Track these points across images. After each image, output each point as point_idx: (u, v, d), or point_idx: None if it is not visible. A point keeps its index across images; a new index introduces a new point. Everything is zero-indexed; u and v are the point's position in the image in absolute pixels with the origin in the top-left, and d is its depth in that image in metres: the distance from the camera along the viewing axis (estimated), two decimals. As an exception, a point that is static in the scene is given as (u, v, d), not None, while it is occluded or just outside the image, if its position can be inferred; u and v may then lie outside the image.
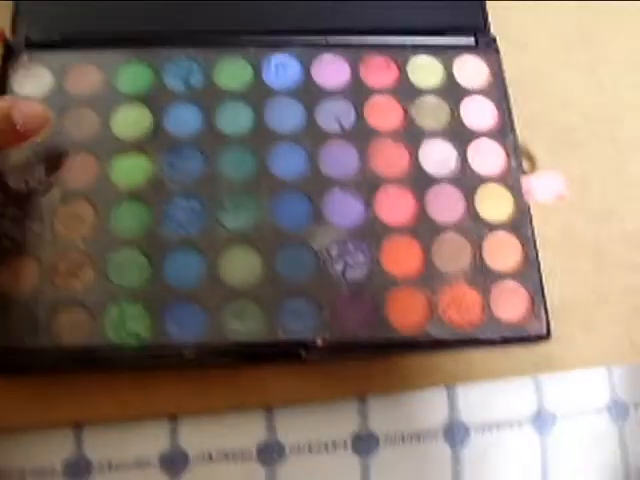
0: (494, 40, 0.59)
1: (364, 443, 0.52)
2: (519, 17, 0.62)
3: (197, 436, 0.51)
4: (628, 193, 0.58)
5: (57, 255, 0.51)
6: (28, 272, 0.50)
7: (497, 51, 0.59)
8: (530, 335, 0.52)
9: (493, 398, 0.53)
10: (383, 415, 0.52)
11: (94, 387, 0.50)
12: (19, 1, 0.57)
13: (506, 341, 0.51)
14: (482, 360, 0.53)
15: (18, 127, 0.45)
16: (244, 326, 0.50)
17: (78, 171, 0.53)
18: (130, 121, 0.55)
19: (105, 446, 0.50)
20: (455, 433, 0.52)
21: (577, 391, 0.54)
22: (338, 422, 0.52)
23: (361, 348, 0.51)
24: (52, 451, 0.50)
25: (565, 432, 0.53)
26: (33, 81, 0.55)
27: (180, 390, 0.51)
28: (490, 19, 0.60)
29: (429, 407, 0.53)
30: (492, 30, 0.60)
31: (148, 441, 0.51)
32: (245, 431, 0.51)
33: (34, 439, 0.50)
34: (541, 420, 0.53)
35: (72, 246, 0.51)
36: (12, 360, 0.49)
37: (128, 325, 0.50)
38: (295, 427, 0.52)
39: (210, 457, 0.51)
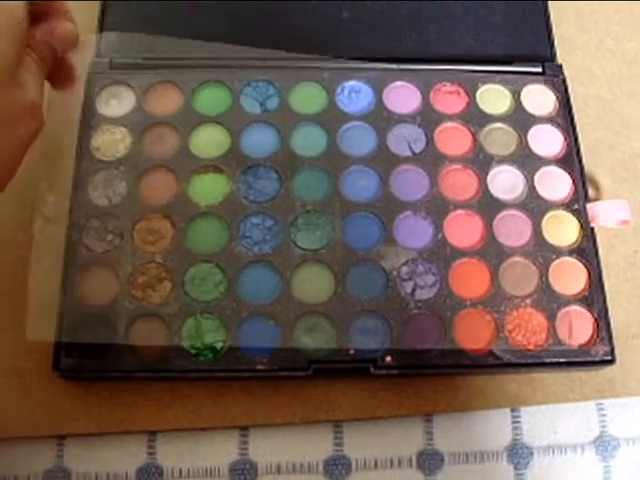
0: (561, 68, 0.61)
1: (429, 461, 0.53)
2: (585, 45, 0.65)
3: (266, 448, 0.53)
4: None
5: (136, 268, 0.53)
6: (107, 284, 0.53)
7: (564, 79, 0.61)
8: (594, 359, 0.53)
9: (556, 421, 0.55)
10: (448, 434, 0.54)
11: (168, 397, 0.53)
12: (104, 24, 0.59)
13: (570, 364, 0.53)
14: (546, 383, 0.54)
15: (58, 53, 0.46)
16: (315, 341, 0.52)
17: (158, 188, 0.56)
18: (208, 141, 0.57)
19: (177, 455, 0.53)
20: (518, 454, 0.54)
21: (640, 416, 0.55)
22: (404, 439, 0.54)
23: (428, 367, 0.52)
24: (126, 458, 0.52)
25: (627, 457, 0.54)
26: (116, 101, 0.58)
27: (251, 402, 0.53)
28: (557, 47, 0.62)
29: (493, 428, 0.54)
30: (559, 58, 0.61)
31: (218, 451, 0.53)
32: (313, 445, 0.53)
33: (109, 445, 0.52)
34: (603, 445, 0.54)
35: (150, 260, 0.53)
36: (91, 367, 0.51)
37: (204, 337, 0.52)
38: (362, 443, 0.53)
39: (278, 469, 0.52)
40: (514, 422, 0.54)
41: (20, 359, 0.53)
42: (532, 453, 0.54)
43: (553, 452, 0.54)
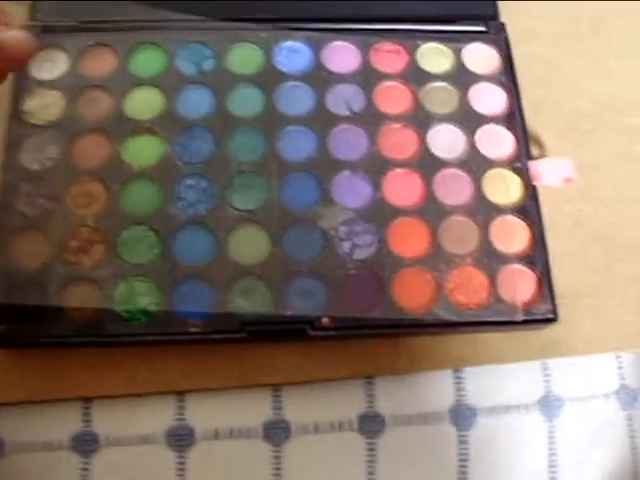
0: (504, 26, 0.60)
1: (370, 424, 0.52)
2: (530, 4, 0.63)
3: (203, 413, 0.52)
4: (637, 178, 0.58)
5: (68, 232, 0.52)
6: (39, 248, 0.51)
7: (507, 38, 0.59)
8: (537, 318, 0.52)
9: (500, 381, 0.53)
10: (390, 396, 0.53)
11: (102, 362, 0.51)
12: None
13: (513, 324, 0.52)
14: (489, 343, 0.53)
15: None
16: (251, 303, 0.51)
17: (91, 152, 0.54)
18: (143, 103, 0.56)
19: (112, 421, 0.51)
20: (462, 416, 0.53)
21: (585, 376, 0.54)
22: (344, 402, 0.52)
23: (367, 328, 0.51)
24: (60, 425, 0.51)
25: (572, 417, 0.54)
26: (50, 65, 0.57)
27: (187, 367, 0.51)
28: (500, 5, 0.60)
29: (436, 389, 0.53)
30: (502, 17, 0.60)
31: (155, 417, 0.51)
32: (252, 409, 0.52)
33: (43, 414, 0.51)
34: (548, 404, 0.53)
35: (83, 223, 0.52)
36: (21, 334, 0.50)
37: (137, 301, 0.50)
38: (301, 406, 0.52)
39: (216, 434, 0.51)
40: (457, 383, 0.53)
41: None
42: (476, 414, 0.53)
43: (497, 413, 0.53)
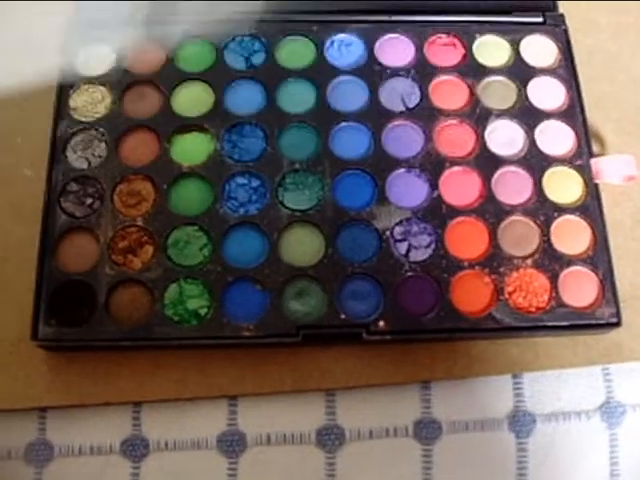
0: (563, 18, 0.56)
1: (426, 430, 0.49)
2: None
3: (255, 418, 0.49)
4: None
5: (116, 232, 0.49)
6: (87, 249, 0.49)
7: (566, 30, 0.56)
8: (599, 322, 0.49)
9: (560, 387, 0.50)
10: (446, 402, 0.50)
11: (152, 366, 0.49)
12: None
13: (574, 328, 0.49)
14: (549, 348, 0.50)
15: None
16: (304, 307, 0.48)
17: (139, 149, 0.51)
18: (191, 99, 0.53)
19: (162, 426, 0.49)
20: (520, 422, 0.49)
21: (648, 382, 0.51)
22: (400, 408, 0.49)
23: (424, 332, 0.48)
24: (110, 429, 0.49)
25: (635, 424, 0.50)
26: (96, 60, 0.54)
27: (239, 371, 0.49)
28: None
29: (494, 395, 0.50)
30: (560, 8, 0.56)
31: (206, 422, 0.49)
32: (304, 414, 0.49)
33: (92, 417, 0.49)
34: (610, 411, 0.50)
35: (131, 224, 0.49)
36: (69, 337, 0.47)
37: (187, 303, 0.48)
38: (356, 412, 0.49)
39: (268, 440, 0.48)
40: (516, 389, 0.50)
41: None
42: (535, 421, 0.49)
43: (557, 419, 0.50)
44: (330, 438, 0.49)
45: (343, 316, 0.47)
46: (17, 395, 0.48)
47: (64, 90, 0.53)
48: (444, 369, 0.49)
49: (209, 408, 0.49)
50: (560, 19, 0.56)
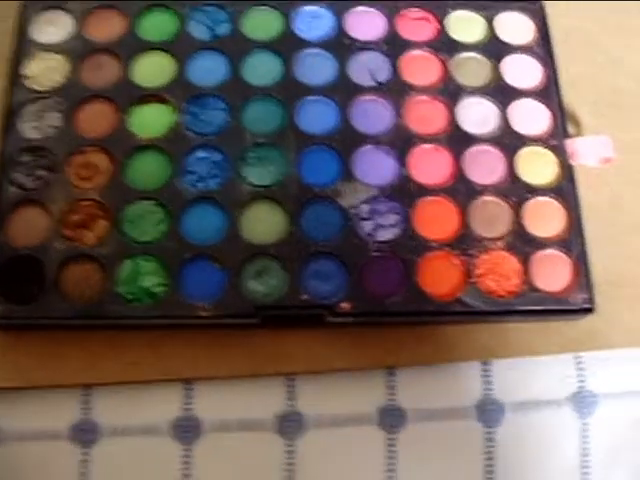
0: (539, -4, 0.54)
1: (390, 418, 0.46)
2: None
3: (212, 403, 0.46)
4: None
5: (69, 205, 0.46)
6: (37, 222, 0.46)
7: (542, 7, 0.53)
8: (572, 307, 0.46)
9: (531, 375, 0.48)
10: (412, 389, 0.47)
11: (104, 347, 0.46)
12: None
13: (546, 313, 0.46)
14: (520, 333, 0.47)
15: None
16: (265, 286, 0.45)
17: (96, 120, 0.49)
18: (152, 69, 0.50)
19: (113, 410, 0.46)
20: (489, 411, 0.47)
21: (622, 371, 0.48)
22: (363, 394, 0.47)
23: (390, 315, 0.45)
24: (58, 413, 0.46)
25: (607, 415, 0.48)
26: (53, 27, 0.51)
27: (195, 353, 0.46)
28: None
29: (461, 382, 0.47)
30: (538, -14, 0.54)
31: (160, 406, 0.46)
32: (263, 400, 0.46)
33: (40, 400, 0.46)
34: (582, 400, 0.48)
35: (85, 197, 0.46)
36: (16, 315, 0.44)
37: (142, 281, 0.45)
38: (317, 397, 0.47)
39: (225, 426, 0.46)
40: (484, 376, 0.47)
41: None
42: (504, 410, 0.47)
43: (527, 408, 0.47)
44: (290, 425, 0.46)
45: (305, 297, 0.45)
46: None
47: (18, 57, 0.50)
48: (410, 354, 0.47)
49: (163, 392, 0.46)
50: (538, -4, 0.53)
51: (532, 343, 0.47)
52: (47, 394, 0.46)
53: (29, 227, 0.46)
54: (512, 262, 0.46)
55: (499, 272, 0.46)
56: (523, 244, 0.47)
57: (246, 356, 0.46)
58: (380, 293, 0.45)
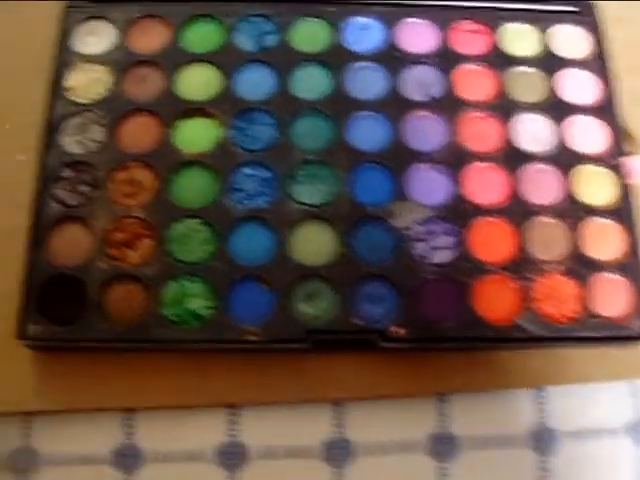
0: (596, 7, 0.51)
1: (441, 445, 0.45)
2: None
3: (258, 429, 0.44)
4: None
5: (112, 223, 0.44)
6: (80, 240, 0.44)
7: (599, 20, 0.51)
8: (631, 334, 0.44)
9: (586, 402, 0.46)
10: (464, 415, 0.45)
11: (148, 370, 0.44)
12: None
13: (604, 340, 0.44)
14: (575, 359, 0.46)
15: None
16: (315, 309, 0.43)
17: (139, 134, 0.47)
18: (197, 82, 0.48)
19: (157, 435, 0.44)
20: (543, 440, 0.45)
21: (680, 399, 0.46)
22: (414, 421, 0.45)
23: (444, 341, 0.43)
24: (100, 438, 0.44)
25: (665, 444, 0.46)
26: (95, 38, 0.49)
27: (242, 377, 0.44)
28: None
29: (516, 409, 0.46)
30: (594, -3, 0.52)
31: (204, 432, 0.44)
32: (311, 426, 0.45)
33: (81, 424, 0.44)
34: (638, 429, 0.45)
35: (129, 214, 0.45)
36: (58, 336, 0.43)
37: (188, 303, 0.43)
38: (366, 424, 0.45)
39: (271, 453, 0.44)
40: (539, 403, 0.46)
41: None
42: (558, 438, 0.45)
43: (582, 437, 0.45)
44: (338, 452, 0.44)
45: (357, 321, 0.43)
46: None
47: (60, 69, 0.48)
48: (463, 381, 0.45)
49: (208, 417, 0.44)
50: (593, 8, 0.51)
51: (588, 369, 0.45)
52: (89, 417, 0.44)
53: (71, 245, 0.44)
54: (570, 286, 0.44)
55: (557, 296, 0.44)
56: (581, 267, 0.45)
57: (294, 381, 0.44)
58: (434, 317, 0.43)
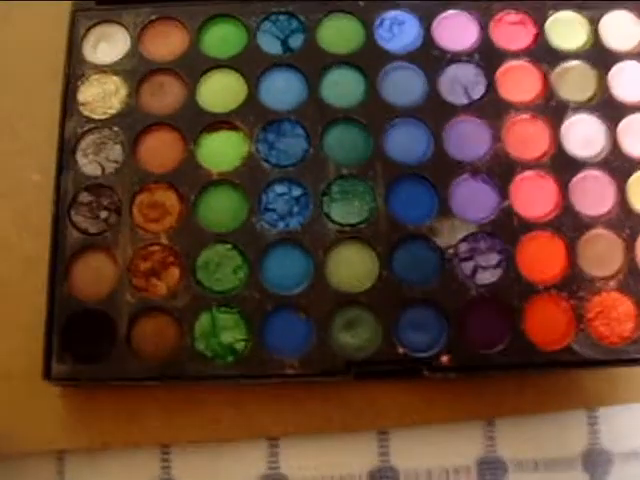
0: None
1: (490, 470, 0.42)
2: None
3: (299, 460, 0.42)
4: None
5: (137, 252, 0.41)
6: (104, 271, 0.41)
7: (655, 3, 0.46)
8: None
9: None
10: (512, 439, 0.43)
11: (182, 404, 0.42)
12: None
13: (665, 359, 0.41)
14: (628, 379, 0.43)
15: None
16: (356, 339, 0.40)
17: (159, 151, 0.43)
18: (220, 91, 0.44)
19: (195, 470, 0.42)
20: (596, 462, 0.43)
21: None
22: (461, 446, 0.43)
23: (494, 368, 0.40)
24: (136, 475, 0.42)
25: None
26: (107, 45, 0.45)
27: (280, 408, 0.42)
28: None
29: (566, 431, 0.43)
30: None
31: (244, 465, 0.42)
32: (355, 455, 0.42)
33: (116, 461, 0.42)
34: (695, 447, 0.43)
35: (154, 241, 0.41)
36: (87, 374, 0.40)
37: (221, 336, 0.40)
38: (411, 451, 0.43)
39: (315, 485, 0.42)
40: (591, 424, 0.43)
41: (8, 362, 0.42)
42: (612, 460, 0.43)
43: (636, 459, 0.43)
44: (384, 480, 0.42)
45: (400, 350, 0.40)
46: (29, 437, 0.41)
47: (71, 81, 0.44)
48: (512, 405, 0.42)
49: (247, 450, 0.42)
50: (646, -10, 0.46)
51: (640, 389, 0.43)
52: (124, 454, 0.42)
53: (95, 277, 0.41)
54: (626, 304, 0.41)
55: (612, 316, 0.41)
56: (637, 283, 0.41)
57: (336, 410, 0.42)
58: (482, 343, 0.40)
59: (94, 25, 0.45)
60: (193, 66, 0.44)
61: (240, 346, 0.40)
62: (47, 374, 0.40)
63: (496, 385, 0.42)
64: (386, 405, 0.42)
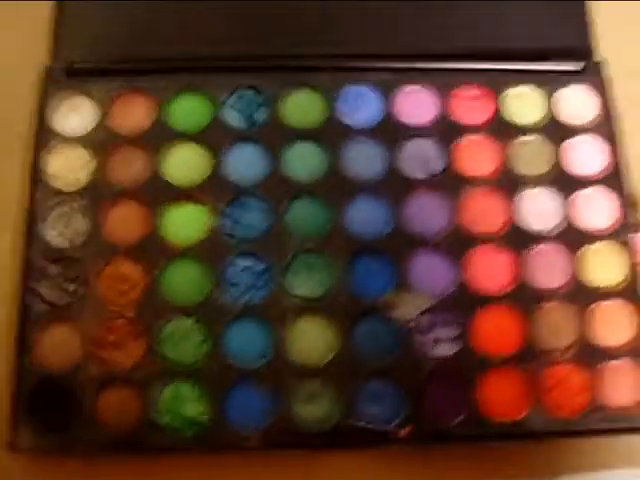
0: (603, 65, 0.47)
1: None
2: (634, 36, 0.50)
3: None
4: None
5: (102, 324, 0.41)
6: (68, 342, 0.41)
7: (607, 79, 0.47)
8: (641, 425, 0.41)
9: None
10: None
11: (145, 473, 0.41)
12: (60, 23, 0.46)
13: (617, 431, 0.41)
14: (585, 448, 0.43)
15: None
16: (316, 411, 0.41)
17: (125, 223, 0.43)
18: (184, 164, 0.45)
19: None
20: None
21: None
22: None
23: (452, 439, 0.41)
24: None
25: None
26: (75, 116, 0.45)
27: (247, 476, 0.42)
28: (598, 39, 0.48)
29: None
30: (601, 53, 0.48)
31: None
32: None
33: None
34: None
35: (119, 314, 0.41)
36: (52, 445, 0.40)
37: (184, 409, 0.40)
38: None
39: None
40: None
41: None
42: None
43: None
44: None
45: (361, 423, 0.40)
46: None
47: (38, 151, 0.44)
48: (469, 474, 0.42)
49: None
50: (601, 66, 0.47)
51: (598, 459, 0.43)
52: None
53: (59, 348, 0.41)
54: (580, 376, 0.42)
55: (567, 387, 0.42)
56: (591, 355, 0.42)
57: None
58: (439, 415, 0.41)
59: (63, 96, 0.45)
60: (159, 139, 0.45)
61: (202, 419, 0.40)
62: (11, 445, 0.40)
63: (453, 455, 0.42)
64: (349, 474, 0.42)
